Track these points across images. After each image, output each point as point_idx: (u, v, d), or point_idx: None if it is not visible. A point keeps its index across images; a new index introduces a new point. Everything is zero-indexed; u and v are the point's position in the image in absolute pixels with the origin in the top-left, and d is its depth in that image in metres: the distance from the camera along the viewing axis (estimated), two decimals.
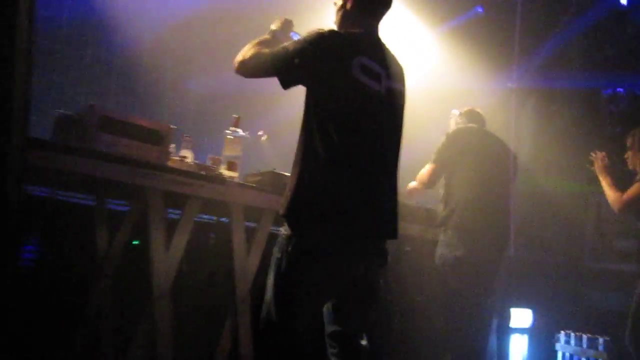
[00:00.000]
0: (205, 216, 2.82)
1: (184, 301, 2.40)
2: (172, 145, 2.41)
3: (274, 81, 1.61)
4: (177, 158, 2.45)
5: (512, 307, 3.95)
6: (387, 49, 1.73)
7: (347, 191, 1.51)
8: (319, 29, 1.58)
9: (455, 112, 3.14)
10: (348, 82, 1.56)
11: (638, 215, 3.04)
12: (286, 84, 1.60)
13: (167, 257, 2.18)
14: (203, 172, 2.29)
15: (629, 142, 3.17)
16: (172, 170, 2.20)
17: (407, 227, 2.89)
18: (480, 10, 5.70)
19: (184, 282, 2.40)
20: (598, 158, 3.23)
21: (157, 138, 2.18)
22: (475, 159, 2.84)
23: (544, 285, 4.34)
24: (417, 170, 3.00)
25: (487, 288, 2.81)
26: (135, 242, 2.54)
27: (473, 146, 2.87)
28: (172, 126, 2.27)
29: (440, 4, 5.26)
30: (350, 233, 1.52)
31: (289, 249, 1.50)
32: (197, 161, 2.54)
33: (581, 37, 5.33)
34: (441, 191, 2.93)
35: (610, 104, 5.04)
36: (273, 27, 1.85)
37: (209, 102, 4.98)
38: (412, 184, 3.04)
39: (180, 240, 2.23)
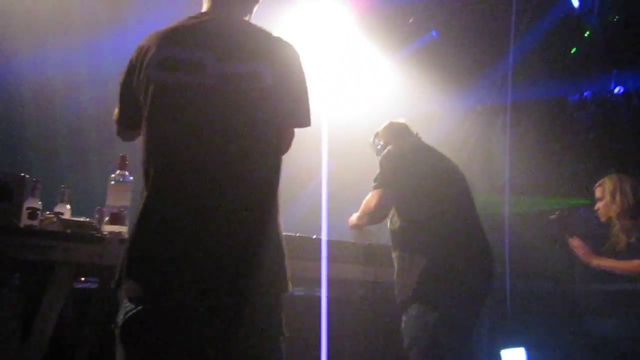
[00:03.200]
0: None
1: None
2: (38, 201, 1.92)
3: None
4: (50, 215, 1.97)
5: (502, 348, 3.47)
6: (243, 30, 1.39)
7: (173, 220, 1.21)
8: None
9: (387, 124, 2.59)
10: (142, 86, 1.31)
11: None
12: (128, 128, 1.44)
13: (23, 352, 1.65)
14: (69, 230, 1.79)
15: (598, 193, 3.03)
16: (26, 233, 1.71)
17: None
18: (434, 34, 5.58)
19: None
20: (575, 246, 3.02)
21: (4, 192, 1.70)
22: (433, 182, 2.24)
23: (535, 317, 3.88)
24: None
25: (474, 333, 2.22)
26: None
27: (425, 166, 2.29)
28: (24, 175, 1.79)
29: (394, 30, 5.11)
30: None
31: None
32: (81, 218, 2.06)
33: (539, 46, 5.13)
34: (392, 228, 2.31)
35: (578, 110, 4.79)
36: None
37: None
38: (354, 217, 2.50)
39: (43, 329, 1.70)
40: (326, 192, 3.34)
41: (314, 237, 2.57)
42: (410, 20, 5.10)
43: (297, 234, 2.51)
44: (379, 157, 2.34)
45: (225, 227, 1.20)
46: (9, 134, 3.39)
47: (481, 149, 5.66)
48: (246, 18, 1.47)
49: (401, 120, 2.59)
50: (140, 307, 1.16)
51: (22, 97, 3.49)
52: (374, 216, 2.30)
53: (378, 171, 2.27)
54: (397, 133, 2.48)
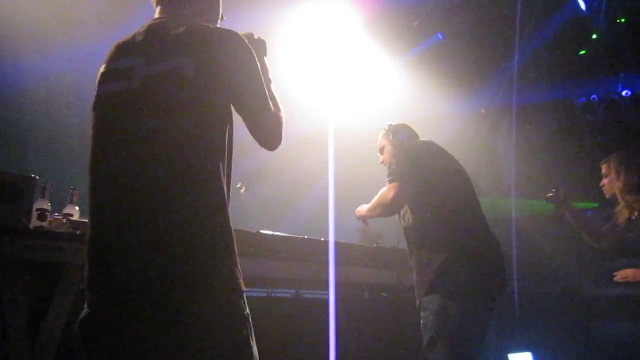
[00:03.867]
0: None
1: None
2: (47, 203, 1.93)
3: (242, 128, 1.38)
4: (59, 216, 1.97)
5: (510, 352, 3.44)
6: (175, 29, 1.30)
7: None
8: None
9: (387, 127, 2.57)
10: (93, 106, 1.31)
11: None
12: None
13: (32, 352, 1.65)
14: (78, 232, 1.79)
15: (604, 169, 2.99)
16: (35, 234, 1.71)
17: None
18: (440, 37, 5.59)
19: None
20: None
21: (13, 193, 1.70)
22: (449, 178, 2.25)
23: (542, 321, 3.85)
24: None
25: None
26: None
27: (440, 162, 2.30)
28: (35, 176, 1.79)
29: (400, 33, 5.11)
30: None
31: None
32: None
33: (546, 49, 5.11)
34: (405, 224, 2.29)
35: (586, 113, 4.75)
36: None
37: None
38: (363, 207, 2.46)
39: (52, 330, 1.70)
40: (333, 195, 3.33)
41: (322, 239, 2.56)
42: (416, 23, 5.09)
43: (305, 237, 2.50)
44: (394, 151, 2.35)
45: (143, 230, 1.16)
46: (18, 136, 3.41)
47: (487, 152, 5.64)
48: (204, 18, 1.41)
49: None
50: (88, 311, 1.21)
51: (31, 99, 3.51)
52: (389, 209, 2.26)
53: (393, 164, 2.25)
54: (412, 132, 2.53)
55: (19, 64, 3.42)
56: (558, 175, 4.77)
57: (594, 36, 4.98)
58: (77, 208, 2.08)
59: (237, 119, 1.36)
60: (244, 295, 1.23)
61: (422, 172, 2.21)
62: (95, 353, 1.19)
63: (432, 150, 2.37)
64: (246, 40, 1.33)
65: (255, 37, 1.49)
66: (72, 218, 1.98)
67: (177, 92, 1.22)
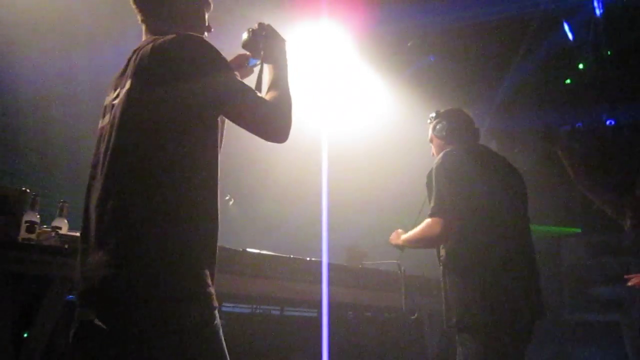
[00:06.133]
0: None
1: None
2: (37, 215, 1.93)
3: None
4: (48, 229, 1.98)
5: None
6: (139, 50, 1.29)
7: None
8: None
9: (433, 115, 2.37)
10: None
11: None
12: None
13: None
14: (67, 246, 1.80)
15: None
16: (23, 247, 1.72)
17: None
18: (432, 59, 5.70)
19: None
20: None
21: (2, 205, 1.71)
22: (493, 200, 2.08)
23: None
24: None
25: None
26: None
27: (485, 181, 2.09)
28: (25, 189, 1.80)
29: (393, 54, 5.19)
30: None
31: None
32: (77, 232, 2.07)
33: (533, 76, 5.23)
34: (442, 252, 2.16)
35: (570, 140, 4.83)
36: None
37: None
38: (399, 236, 2.34)
39: (36, 343, 1.70)
40: (327, 216, 3.34)
41: (308, 259, 2.59)
42: (409, 44, 5.18)
43: (291, 256, 2.52)
44: (435, 167, 2.16)
45: (97, 241, 1.18)
46: (7, 146, 3.39)
47: None
48: (184, 29, 1.34)
49: (464, 109, 2.42)
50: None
51: (20, 108, 3.50)
52: (434, 244, 2.18)
53: (434, 182, 2.12)
54: (459, 131, 2.30)
55: (10, 70, 3.41)
56: (543, 199, 4.85)
57: (581, 66, 5.11)
58: (66, 221, 2.08)
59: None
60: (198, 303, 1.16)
61: (464, 200, 2.06)
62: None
63: (479, 164, 2.15)
64: (204, 41, 1.28)
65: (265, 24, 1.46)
66: (60, 231, 1.99)
67: (127, 111, 1.22)
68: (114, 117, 1.26)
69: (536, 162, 5.15)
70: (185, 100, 1.20)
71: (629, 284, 2.68)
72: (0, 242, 1.68)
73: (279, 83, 1.38)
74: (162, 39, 1.25)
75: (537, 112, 5.21)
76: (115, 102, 1.28)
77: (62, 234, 1.91)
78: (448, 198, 2.05)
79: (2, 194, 1.73)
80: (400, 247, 2.39)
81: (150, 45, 1.25)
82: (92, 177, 1.27)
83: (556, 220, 4.93)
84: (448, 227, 2.04)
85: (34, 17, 3.45)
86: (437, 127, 2.32)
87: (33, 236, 1.86)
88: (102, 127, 1.32)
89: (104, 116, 1.34)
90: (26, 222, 1.85)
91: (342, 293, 2.73)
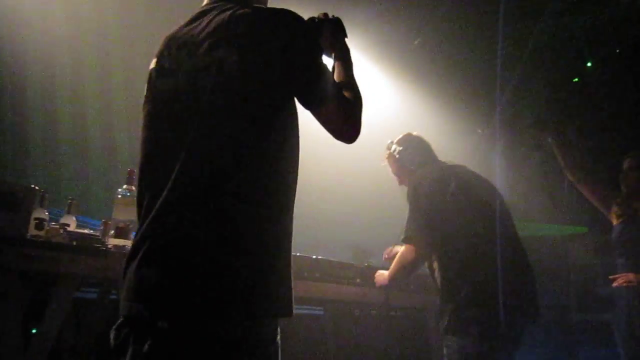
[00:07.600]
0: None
1: None
2: (45, 212, 1.95)
3: None
4: (56, 226, 1.99)
5: None
6: (213, 16, 1.16)
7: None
8: None
9: (391, 144, 2.45)
10: (143, 105, 1.21)
11: None
12: None
13: None
14: (75, 243, 1.82)
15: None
16: (32, 244, 1.73)
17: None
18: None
19: None
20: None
21: (12, 202, 1.72)
22: (467, 215, 2.16)
23: (529, 347, 3.86)
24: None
25: None
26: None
27: (456, 199, 2.17)
28: (34, 186, 1.82)
29: (397, 53, 5.16)
30: None
31: None
32: (84, 229, 2.09)
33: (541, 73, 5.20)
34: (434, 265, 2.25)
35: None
36: None
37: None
38: (383, 275, 2.53)
39: (44, 340, 1.71)
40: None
41: (314, 257, 2.59)
42: (416, 42, 5.16)
43: (297, 254, 2.53)
44: (407, 194, 2.29)
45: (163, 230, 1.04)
46: (15, 144, 3.41)
47: (483, 171, 5.68)
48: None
49: (418, 134, 2.50)
50: None
51: (27, 106, 3.52)
52: (412, 270, 2.33)
53: (408, 211, 2.24)
54: (421, 157, 2.40)
55: (17, 70, 3.42)
56: (550, 199, 4.83)
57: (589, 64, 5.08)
58: (74, 218, 2.10)
59: None
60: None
61: (438, 222, 2.17)
62: None
63: (448, 183, 2.23)
64: (302, 18, 1.18)
65: (330, 16, 1.39)
66: (68, 228, 2.00)
67: (217, 89, 1.06)
68: (192, 84, 1.09)
69: (543, 162, 5.13)
70: (280, 90, 1.11)
71: (614, 284, 2.70)
72: (9, 238, 1.69)
73: (353, 83, 1.30)
74: (260, 7, 1.18)
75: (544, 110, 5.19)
76: (185, 66, 1.13)
77: (70, 231, 1.93)
78: (420, 223, 2.20)
79: (10, 191, 1.74)
80: (387, 293, 2.56)
81: (245, 11, 1.13)
82: (153, 155, 1.12)
83: (563, 220, 4.91)
84: (421, 253, 2.22)
85: (42, 14, 3.46)
86: (401, 155, 2.41)
87: (42, 233, 1.87)
88: (164, 91, 1.14)
89: (161, 77, 1.17)
90: (35, 219, 1.86)
91: (348, 291, 2.74)
